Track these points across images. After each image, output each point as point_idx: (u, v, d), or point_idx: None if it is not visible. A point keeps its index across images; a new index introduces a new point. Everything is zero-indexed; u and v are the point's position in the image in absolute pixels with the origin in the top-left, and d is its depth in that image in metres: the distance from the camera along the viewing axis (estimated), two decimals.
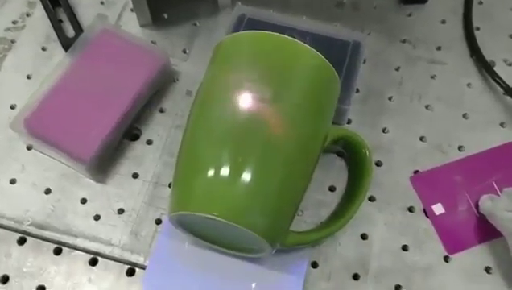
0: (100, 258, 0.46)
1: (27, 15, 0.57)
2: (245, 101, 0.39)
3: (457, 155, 0.50)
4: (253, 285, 0.44)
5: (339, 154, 0.49)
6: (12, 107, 0.52)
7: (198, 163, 0.39)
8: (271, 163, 0.39)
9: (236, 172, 0.38)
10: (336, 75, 0.43)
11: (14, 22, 0.57)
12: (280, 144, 0.39)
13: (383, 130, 0.51)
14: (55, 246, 0.46)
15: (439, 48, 0.55)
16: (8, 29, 0.56)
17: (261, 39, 0.42)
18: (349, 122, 0.51)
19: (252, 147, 0.39)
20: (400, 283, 0.45)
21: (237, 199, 0.38)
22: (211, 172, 0.38)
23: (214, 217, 0.37)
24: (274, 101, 0.39)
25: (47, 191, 0.48)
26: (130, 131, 0.50)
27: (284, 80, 0.41)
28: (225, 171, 0.38)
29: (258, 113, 0.39)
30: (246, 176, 0.37)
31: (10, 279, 0.45)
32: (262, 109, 0.39)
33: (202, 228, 0.41)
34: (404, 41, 0.56)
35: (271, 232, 0.39)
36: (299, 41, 0.42)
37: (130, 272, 0.45)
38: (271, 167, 0.39)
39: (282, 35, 0.42)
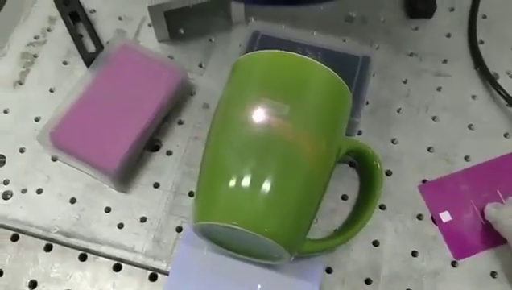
0: (124, 265, 0.48)
1: (48, 30, 0.59)
2: (264, 116, 0.41)
3: (463, 165, 0.52)
4: None
5: (351, 164, 0.52)
6: (37, 120, 0.54)
7: (220, 175, 0.41)
8: (290, 175, 0.41)
9: (256, 184, 0.40)
10: (348, 90, 0.45)
11: (36, 38, 0.59)
12: (297, 157, 0.41)
13: (392, 141, 0.53)
14: (81, 252, 0.48)
15: (444, 61, 0.57)
16: (30, 44, 0.58)
17: (276, 58, 0.44)
18: (360, 133, 0.53)
19: (271, 159, 0.41)
20: (410, 288, 0.47)
21: (258, 209, 0.40)
22: (232, 184, 0.40)
23: (236, 226, 0.39)
24: (290, 116, 0.42)
25: (73, 200, 0.50)
26: (150, 143, 0.52)
27: (299, 96, 0.43)
28: (246, 183, 0.40)
29: (276, 128, 0.41)
30: (266, 188, 0.40)
31: (38, 284, 0.47)
32: (279, 123, 0.41)
33: (224, 236, 0.44)
34: (411, 54, 0.58)
35: (290, 240, 0.41)
36: (311, 59, 0.44)
37: (153, 278, 0.47)
38: (290, 179, 0.41)
39: (295, 54, 0.44)
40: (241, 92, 0.44)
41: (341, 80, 0.44)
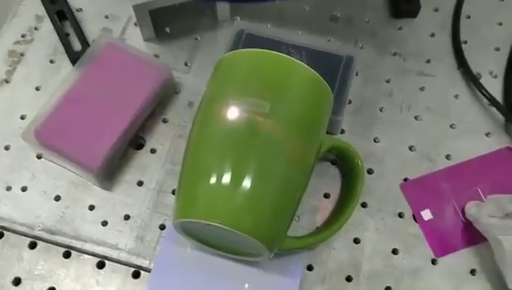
0: (107, 262, 0.48)
1: (35, 29, 0.59)
2: (244, 114, 0.42)
3: (445, 164, 0.52)
4: (251, 287, 0.46)
5: (333, 162, 0.52)
6: (22, 118, 0.54)
7: (200, 173, 0.42)
8: (270, 173, 0.41)
9: (236, 182, 0.40)
10: (329, 89, 0.45)
11: (23, 36, 0.59)
12: (277, 155, 0.42)
13: (374, 140, 0.53)
14: (65, 250, 0.49)
15: (428, 61, 0.58)
16: (17, 42, 0.59)
17: (258, 57, 0.45)
18: (343, 131, 0.53)
19: (251, 157, 0.41)
20: (390, 285, 0.47)
21: (237, 207, 0.40)
22: (213, 182, 0.41)
23: (216, 224, 0.39)
24: (271, 114, 0.42)
25: (57, 198, 0.50)
26: (134, 141, 0.53)
27: (280, 94, 0.43)
28: (226, 180, 0.40)
29: (257, 126, 0.41)
30: (246, 185, 0.40)
31: (22, 281, 0.47)
32: (260, 121, 0.42)
33: (205, 233, 0.44)
34: (395, 54, 0.58)
35: (270, 238, 0.41)
36: (293, 58, 0.44)
37: (136, 275, 0.48)
38: (270, 177, 0.41)
39: (278, 53, 0.44)
40: (223, 90, 0.45)
41: (322, 79, 0.45)
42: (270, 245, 0.41)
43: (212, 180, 0.41)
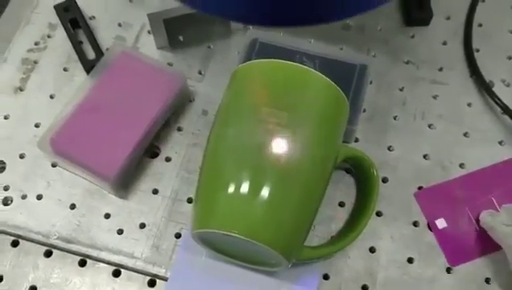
0: (123, 270, 0.48)
1: (49, 37, 0.60)
2: (262, 124, 0.42)
3: (459, 172, 0.52)
4: None
5: (347, 171, 0.52)
6: (37, 126, 0.54)
7: (218, 183, 0.42)
8: (288, 183, 0.41)
9: (255, 192, 0.40)
10: (345, 98, 0.46)
11: (36, 44, 0.59)
12: (295, 165, 0.42)
13: (388, 148, 0.53)
14: (80, 258, 0.49)
15: (440, 69, 0.58)
16: (31, 50, 0.59)
17: (274, 67, 0.45)
18: (357, 140, 0.54)
19: (269, 167, 0.41)
20: None
21: (256, 217, 0.40)
22: (231, 192, 0.41)
23: (235, 234, 0.39)
24: (288, 124, 0.42)
25: (72, 206, 0.51)
26: (149, 149, 0.53)
27: (297, 104, 0.44)
28: (244, 190, 0.40)
29: (275, 136, 0.42)
30: (264, 196, 0.40)
31: (38, 289, 0.47)
32: (278, 132, 0.42)
33: (222, 243, 0.44)
34: (408, 62, 0.58)
35: (288, 248, 0.41)
36: (309, 68, 0.44)
37: (152, 283, 0.48)
38: (288, 187, 0.41)
39: (293, 63, 0.44)
40: (240, 100, 0.45)
41: (339, 89, 0.45)
42: (289, 255, 0.42)
43: (231, 190, 0.41)
